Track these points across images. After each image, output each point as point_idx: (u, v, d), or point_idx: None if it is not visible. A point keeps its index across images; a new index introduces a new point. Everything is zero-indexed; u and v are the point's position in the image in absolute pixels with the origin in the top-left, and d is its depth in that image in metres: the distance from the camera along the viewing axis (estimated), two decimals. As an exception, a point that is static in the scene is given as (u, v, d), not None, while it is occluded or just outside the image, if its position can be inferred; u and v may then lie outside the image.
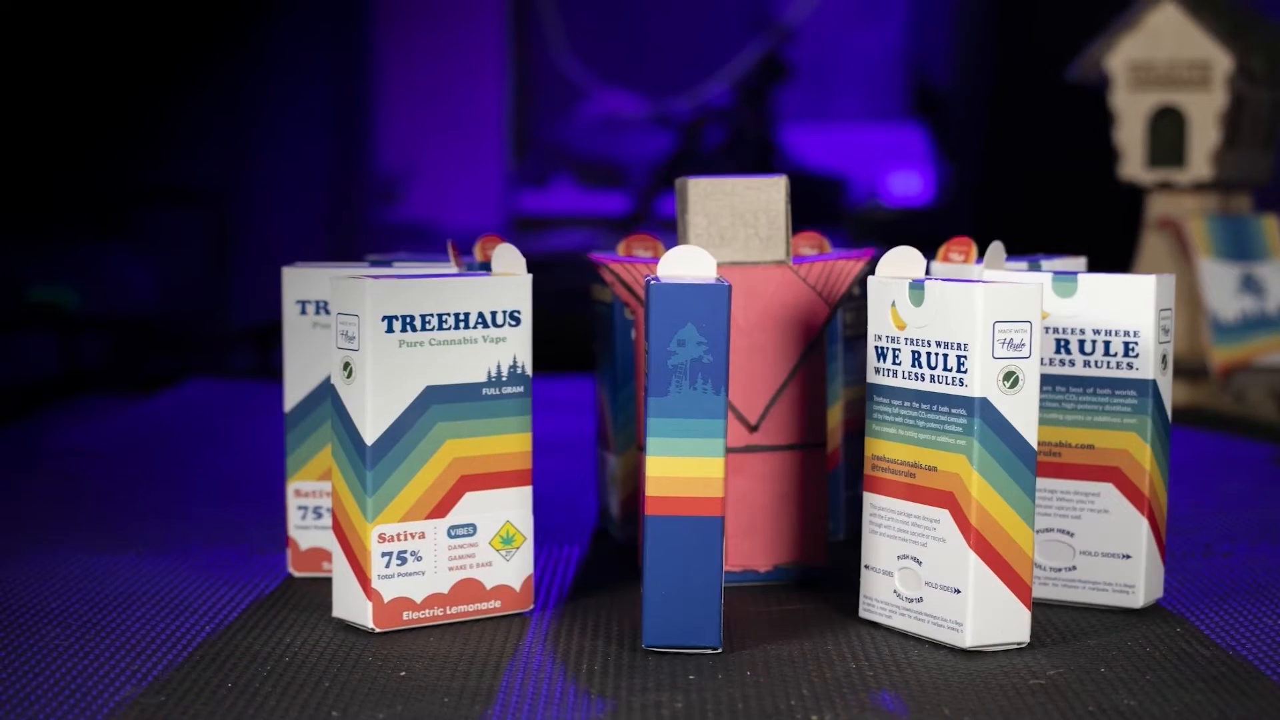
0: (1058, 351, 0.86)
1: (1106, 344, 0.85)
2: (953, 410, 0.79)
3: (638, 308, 0.93)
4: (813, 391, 0.92)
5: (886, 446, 0.82)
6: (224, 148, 3.00)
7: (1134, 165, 1.55)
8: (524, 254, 0.87)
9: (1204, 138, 1.52)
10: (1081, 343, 0.85)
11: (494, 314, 0.84)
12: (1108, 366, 0.85)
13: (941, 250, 0.92)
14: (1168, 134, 1.53)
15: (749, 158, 3.96)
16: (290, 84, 3.12)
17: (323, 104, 3.26)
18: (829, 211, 3.97)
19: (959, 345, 0.78)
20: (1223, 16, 1.51)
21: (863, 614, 0.84)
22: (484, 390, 0.84)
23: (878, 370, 0.82)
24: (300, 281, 0.92)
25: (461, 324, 0.83)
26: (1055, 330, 0.86)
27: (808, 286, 0.91)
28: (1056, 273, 0.86)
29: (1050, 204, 2.85)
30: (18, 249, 2.58)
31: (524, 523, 0.86)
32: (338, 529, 0.83)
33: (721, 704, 0.72)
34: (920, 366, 0.80)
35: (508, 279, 0.85)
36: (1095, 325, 0.85)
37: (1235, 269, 1.51)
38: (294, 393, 0.93)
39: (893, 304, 0.81)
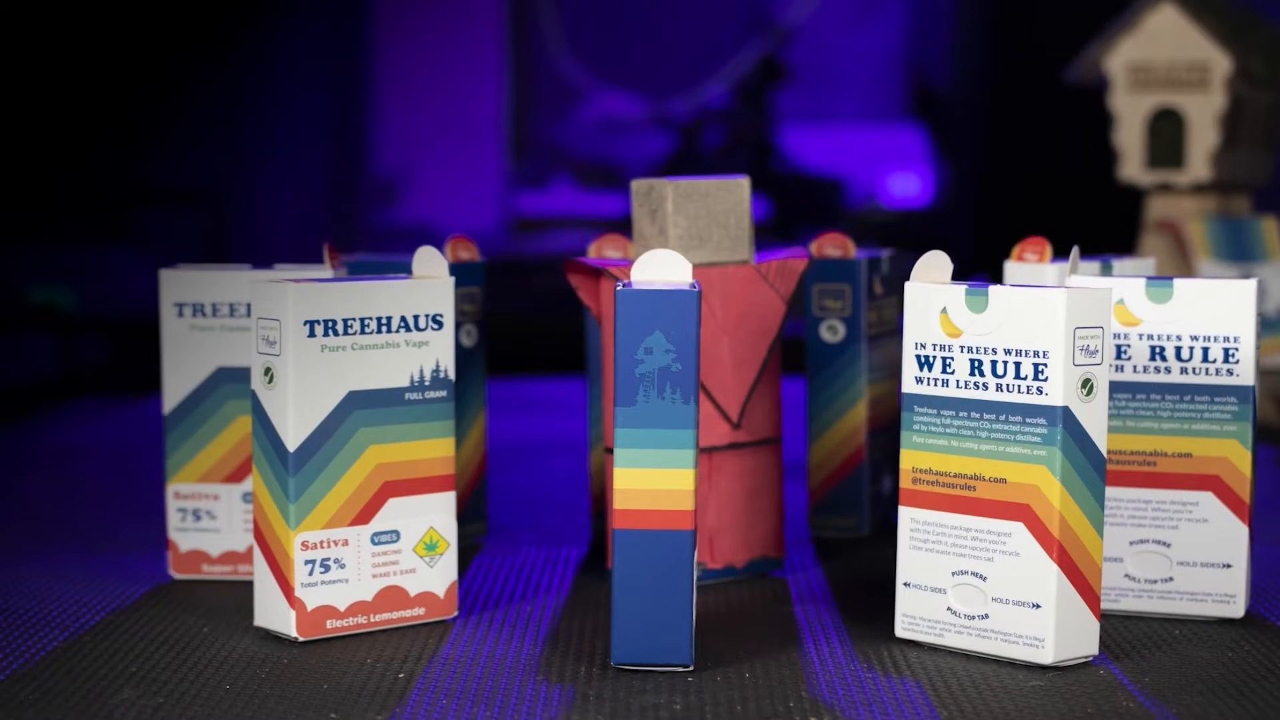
0: (1152, 358, 0.84)
1: (1205, 350, 0.83)
2: (1028, 420, 0.76)
3: (599, 310, 0.93)
4: (775, 388, 0.94)
5: (933, 459, 0.79)
6: (223, 149, 3.00)
7: (1133, 167, 1.55)
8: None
9: (1203, 139, 1.52)
10: (1178, 349, 0.83)
11: (416, 317, 0.83)
12: (1207, 373, 0.83)
13: (1015, 250, 0.92)
14: (1167, 135, 1.53)
15: (748, 159, 3.96)
16: (289, 85, 3.12)
17: (321, 105, 3.26)
18: (827, 213, 3.97)
19: (1037, 353, 0.76)
20: (1222, 18, 1.51)
21: (902, 633, 0.81)
22: (407, 395, 0.83)
23: (920, 380, 0.79)
24: (178, 284, 0.93)
25: (384, 328, 0.82)
26: (1150, 337, 0.84)
27: (768, 284, 0.92)
28: (1150, 278, 0.84)
29: (1049, 206, 2.85)
30: (16, 250, 2.58)
31: (448, 529, 0.85)
32: (259, 536, 0.82)
33: (720, 706, 0.72)
34: (982, 375, 0.77)
35: (430, 282, 0.84)
36: (1193, 331, 0.83)
37: (1234, 270, 1.51)
38: (172, 396, 0.94)
39: (943, 310, 0.78)
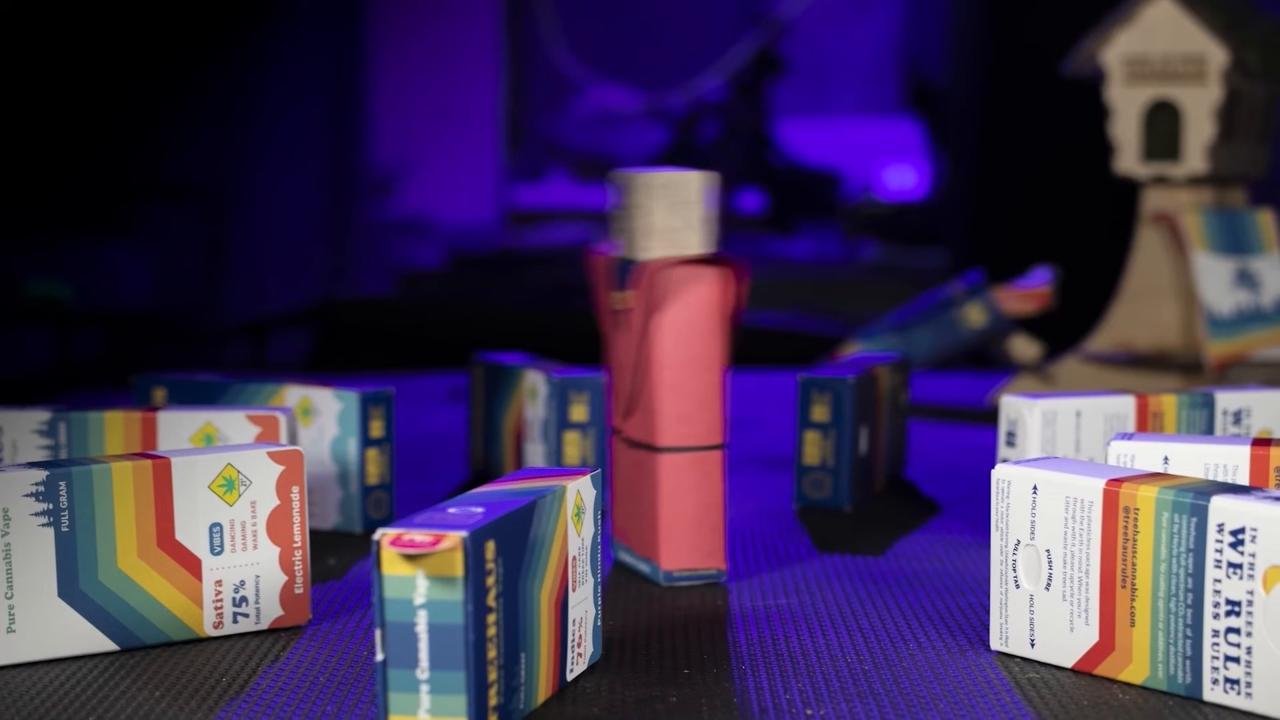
0: None
1: None
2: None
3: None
4: (662, 398, 0.93)
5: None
6: (220, 143, 3.00)
7: (1129, 159, 1.55)
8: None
9: (1199, 131, 1.52)
10: None
11: None
12: None
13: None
14: (1163, 128, 1.53)
15: (743, 152, 3.95)
16: (286, 79, 3.12)
17: (319, 99, 3.26)
18: (824, 206, 3.97)
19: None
20: (1218, 10, 1.51)
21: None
22: None
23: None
24: None
25: None
26: None
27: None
28: None
29: (1046, 198, 2.85)
30: (15, 244, 2.58)
31: None
32: None
33: (717, 699, 0.72)
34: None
35: None
36: None
37: (1230, 263, 1.51)
38: None
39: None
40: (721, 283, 0.90)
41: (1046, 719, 0.70)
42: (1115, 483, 0.72)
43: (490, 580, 0.64)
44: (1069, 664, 0.75)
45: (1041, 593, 0.75)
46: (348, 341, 2.80)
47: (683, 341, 0.90)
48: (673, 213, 0.91)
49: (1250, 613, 0.68)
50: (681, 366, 0.90)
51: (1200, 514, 0.69)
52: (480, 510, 0.66)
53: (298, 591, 0.82)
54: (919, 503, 1.15)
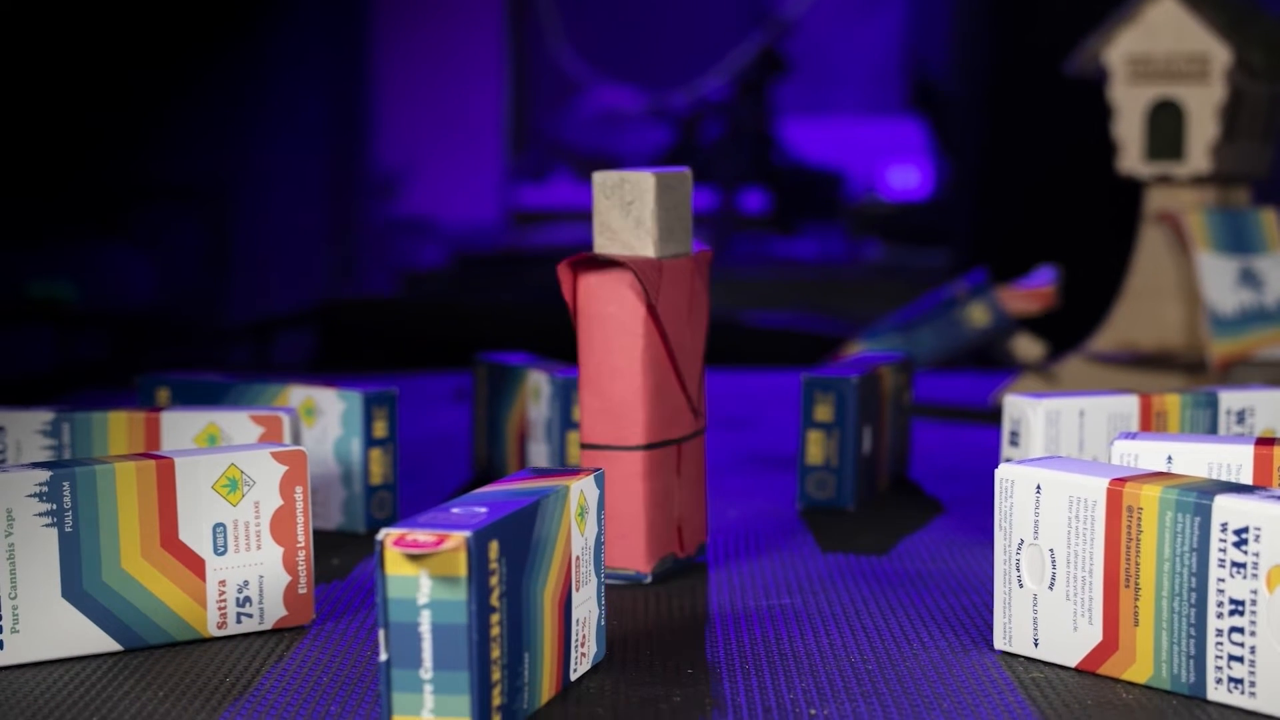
0: None
1: None
2: None
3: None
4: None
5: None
6: (223, 143, 3.00)
7: (1132, 158, 1.55)
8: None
9: (1202, 131, 1.52)
10: None
11: None
12: None
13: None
14: (1166, 127, 1.53)
15: (747, 152, 3.95)
16: (289, 79, 3.12)
17: (321, 99, 3.26)
18: (827, 206, 3.97)
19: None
20: (1221, 10, 1.51)
21: None
22: None
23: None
24: None
25: None
26: None
27: (702, 276, 0.94)
28: None
29: (1049, 198, 2.85)
30: (17, 244, 2.58)
31: None
32: None
33: (721, 699, 0.72)
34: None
35: None
36: None
37: (1234, 262, 1.51)
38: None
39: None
40: (631, 284, 0.90)
41: (1050, 719, 0.70)
42: (1119, 482, 0.72)
43: (494, 580, 0.64)
44: (1072, 663, 0.75)
45: (1045, 592, 0.75)
46: (351, 341, 2.81)
47: (598, 341, 0.91)
48: (624, 213, 0.91)
49: (1254, 612, 0.68)
50: (596, 365, 0.91)
51: (1204, 513, 0.69)
52: (483, 510, 0.66)
53: (301, 591, 0.82)
54: (922, 502, 1.15)
